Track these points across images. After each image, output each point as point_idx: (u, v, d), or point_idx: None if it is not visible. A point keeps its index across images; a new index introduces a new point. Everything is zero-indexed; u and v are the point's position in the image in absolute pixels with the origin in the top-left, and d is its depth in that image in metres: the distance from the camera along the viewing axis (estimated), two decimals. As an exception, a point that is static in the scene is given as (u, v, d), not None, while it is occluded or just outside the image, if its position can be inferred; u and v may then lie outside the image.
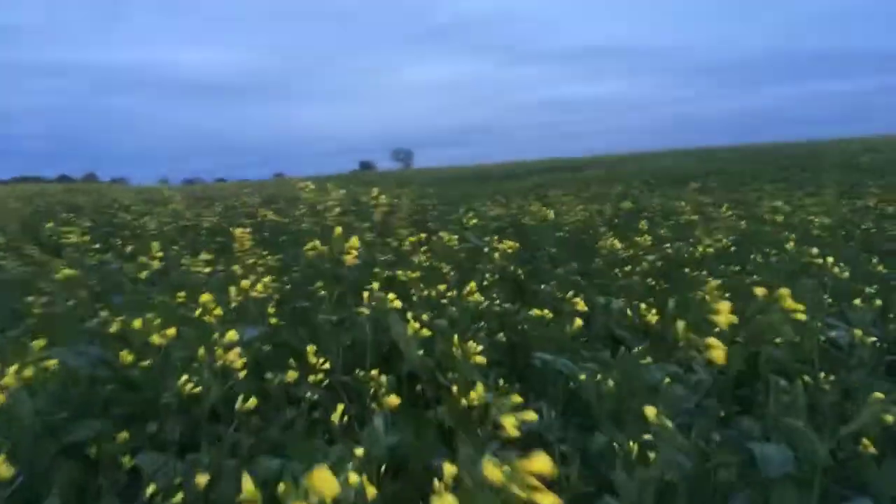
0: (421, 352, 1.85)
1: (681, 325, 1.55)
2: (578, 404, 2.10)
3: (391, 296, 1.79)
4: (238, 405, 1.45)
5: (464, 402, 1.40)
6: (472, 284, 2.11)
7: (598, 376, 1.92)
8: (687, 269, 3.26)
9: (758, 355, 2.42)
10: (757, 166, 16.45)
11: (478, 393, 1.36)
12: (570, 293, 3.28)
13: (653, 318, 2.81)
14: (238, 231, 3.09)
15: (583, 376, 1.88)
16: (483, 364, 1.56)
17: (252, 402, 1.45)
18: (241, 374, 1.45)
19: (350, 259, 2.07)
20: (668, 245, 3.77)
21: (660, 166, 19.58)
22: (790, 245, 3.46)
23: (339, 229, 2.05)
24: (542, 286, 3.81)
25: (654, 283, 3.33)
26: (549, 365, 2.32)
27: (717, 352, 1.50)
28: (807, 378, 2.09)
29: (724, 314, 1.59)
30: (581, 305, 2.86)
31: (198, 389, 1.36)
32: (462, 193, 13.43)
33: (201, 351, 1.38)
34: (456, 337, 1.56)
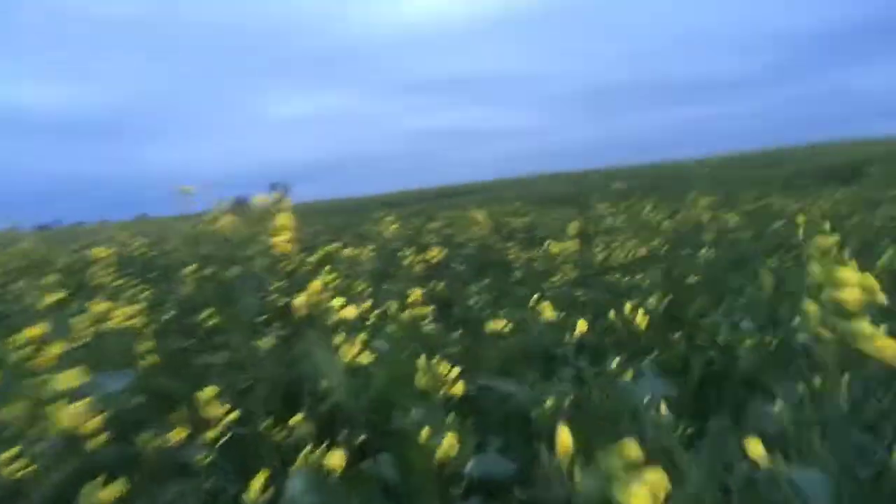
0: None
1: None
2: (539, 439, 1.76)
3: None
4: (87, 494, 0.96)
5: (426, 452, 1.00)
6: (417, 293, 1.70)
7: (568, 399, 1.57)
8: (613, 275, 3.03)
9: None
10: (630, 184, 17.12)
11: (449, 442, 0.97)
12: (489, 311, 2.95)
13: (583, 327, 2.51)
14: (96, 252, 2.52)
15: (550, 402, 1.53)
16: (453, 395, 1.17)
17: (111, 490, 0.96)
18: (98, 441, 0.97)
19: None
20: (599, 249, 3.54)
21: (537, 190, 19.97)
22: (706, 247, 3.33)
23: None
24: (464, 303, 3.47)
25: (578, 292, 3.07)
26: (498, 393, 1.96)
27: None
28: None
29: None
30: (501, 325, 2.54)
31: (22, 473, 0.87)
32: (346, 223, 12.94)
33: (20, 407, 0.88)
34: (423, 359, 1.16)
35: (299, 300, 1.38)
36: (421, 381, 1.08)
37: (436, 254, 3.22)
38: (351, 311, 1.44)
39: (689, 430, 1.87)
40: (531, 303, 2.34)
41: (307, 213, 20.07)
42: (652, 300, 2.41)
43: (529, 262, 3.53)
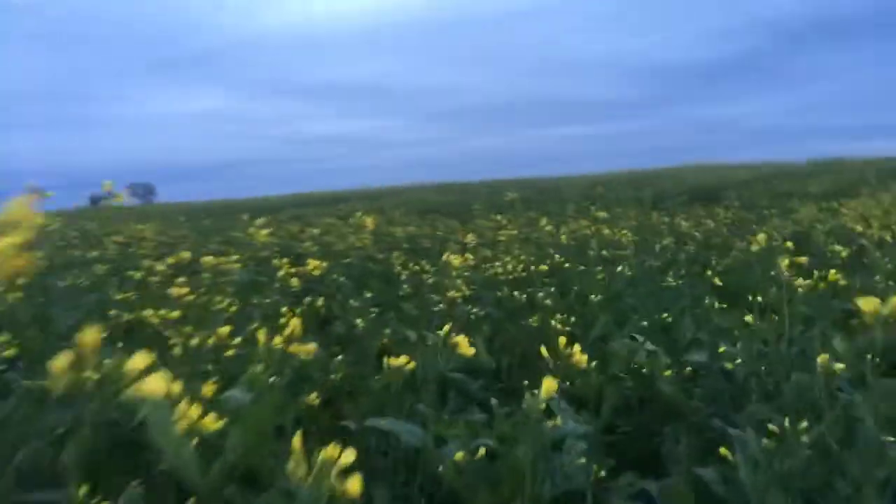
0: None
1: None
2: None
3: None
4: None
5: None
6: (294, 324, 1.34)
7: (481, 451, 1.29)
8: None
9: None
10: (503, 197, 17.29)
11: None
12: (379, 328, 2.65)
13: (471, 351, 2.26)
14: None
15: (460, 455, 1.25)
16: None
17: None
18: None
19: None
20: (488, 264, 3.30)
21: (421, 199, 19.80)
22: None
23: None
24: (346, 319, 3.14)
25: (473, 309, 2.82)
26: (388, 435, 1.65)
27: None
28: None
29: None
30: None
31: None
32: (216, 228, 12.14)
33: None
34: (297, 440, 0.80)
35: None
36: (296, 472, 0.75)
37: (316, 266, 2.87)
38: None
39: (603, 473, 1.64)
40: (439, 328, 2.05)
41: (173, 215, 18.81)
42: (555, 322, 2.19)
43: (416, 276, 3.25)
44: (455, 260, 2.84)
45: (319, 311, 3.03)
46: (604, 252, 3.73)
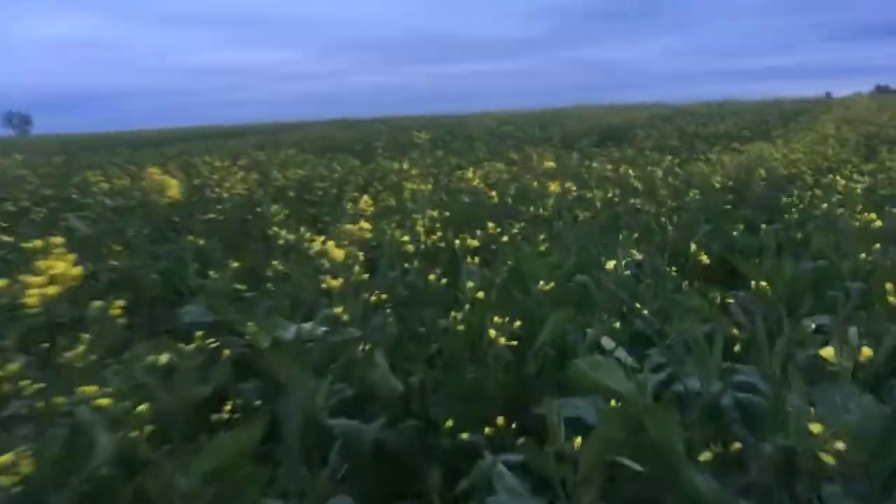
0: None
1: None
2: None
3: None
4: None
5: None
6: None
7: None
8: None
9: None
10: (407, 136, 16.44)
11: None
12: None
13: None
14: None
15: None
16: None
17: None
18: None
19: None
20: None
21: (322, 136, 18.57)
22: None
23: None
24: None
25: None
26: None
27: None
28: None
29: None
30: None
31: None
32: (88, 163, 10.71)
33: None
34: None
35: None
36: None
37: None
38: None
39: None
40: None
41: (52, 149, 16.91)
42: (492, 333, 1.45)
43: (299, 244, 2.41)
44: (350, 227, 2.00)
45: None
46: (540, 209, 3.00)
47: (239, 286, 2.42)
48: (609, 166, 5.90)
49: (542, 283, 1.77)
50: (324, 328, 2.27)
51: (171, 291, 3.23)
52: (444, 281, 1.96)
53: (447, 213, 2.80)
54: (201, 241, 2.89)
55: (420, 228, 2.37)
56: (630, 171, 5.15)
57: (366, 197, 1.75)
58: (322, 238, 2.28)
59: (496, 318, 1.50)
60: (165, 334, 2.64)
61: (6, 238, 4.02)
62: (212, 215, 3.48)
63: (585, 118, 21.94)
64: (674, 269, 2.51)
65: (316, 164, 7.76)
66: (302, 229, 2.49)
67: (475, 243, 2.01)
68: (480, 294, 1.64)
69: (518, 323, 1.55)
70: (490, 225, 2.45)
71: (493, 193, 3.26)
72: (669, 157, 7.81)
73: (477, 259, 2.09)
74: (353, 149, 13.05)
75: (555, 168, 5.53)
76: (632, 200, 3.78)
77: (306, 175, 5.51)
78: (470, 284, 1.71)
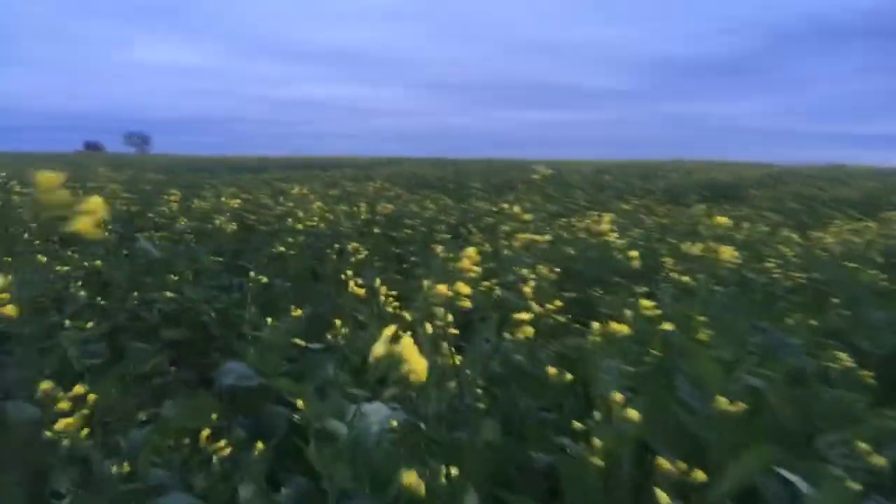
0: None
1: None
2: None
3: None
4: None
5: None
6: None
7: None
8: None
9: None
10: (503, 178, 16.03)
11: None
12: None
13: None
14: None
15: None
16: None
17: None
18: None
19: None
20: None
21: (413, 172, 18.43)
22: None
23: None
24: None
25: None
26: None
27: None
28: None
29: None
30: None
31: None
32: (192, 182, 10.83)
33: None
34: None
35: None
36: None
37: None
38: None
39: None
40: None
41: (165, 168, 17.56)
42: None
43: (375, 297, 1.91)
44: (442, 289, 1.42)
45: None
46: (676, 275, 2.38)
47: (298, 341, 1.94)
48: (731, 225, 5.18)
49: (716, 395, 1.17)
50: (393, 407, 1.73)
51: (234, 333, 2.81)
52: (568, 375, 1.39)
53: (562, 270, 2.23)
54: (264, 280, 2.44)
55: (528, 290, 1.82)
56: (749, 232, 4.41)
57: (471, 251, 1.26)
58: (398, 300, 1.79)
59: (660, 461, 0.93)
60: (207, 388, 2.20)
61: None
62: (282, 248, 3.07)
63: (688, 172, 20.86)
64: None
65: (407, 200, 7.39)
66: (379, 283, 1.99)
67: (622, 328, 1.43)
68: (619, 398, 1.07)
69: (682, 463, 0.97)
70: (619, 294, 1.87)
71: (632, 253, 2.64)
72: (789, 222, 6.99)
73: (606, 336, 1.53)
74: (446, 188, 12.69)
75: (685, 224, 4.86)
76: (767, 266, 3.09)
77: (396, 209, 5.08)
78: (615, 394, 1.12)
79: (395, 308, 1.96)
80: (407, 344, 0.87)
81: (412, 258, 3.97)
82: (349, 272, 2.19)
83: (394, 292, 1.95)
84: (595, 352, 1.42)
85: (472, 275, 1.31)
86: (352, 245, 3.03)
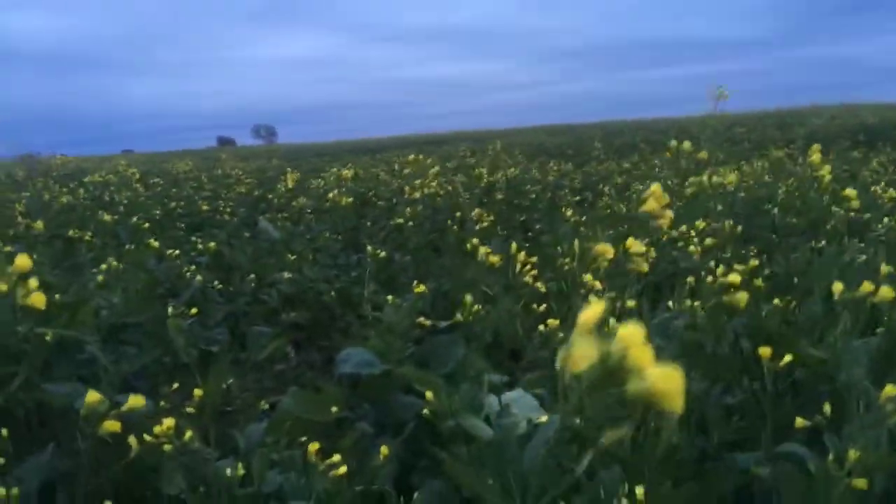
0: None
1: None
2: None
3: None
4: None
5: None
6: None
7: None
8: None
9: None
10: (625, 139, 15.29)
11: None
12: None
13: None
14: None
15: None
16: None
17: None
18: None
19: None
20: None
21: (530, 142, 17.97)
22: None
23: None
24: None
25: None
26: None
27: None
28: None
29: None
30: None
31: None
32: (315, 167, 11.13)
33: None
34: None
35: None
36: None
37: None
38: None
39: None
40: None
41: (292, 156, 18.29)
42: None
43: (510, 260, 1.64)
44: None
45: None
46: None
47: (423, 320, 1.71)
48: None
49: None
50: (537, 395, 1.48)
51: (354, 313, 2.65)
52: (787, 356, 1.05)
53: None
54: (382, 254, 2.23)
55: (700, 248, 1.46)
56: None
57: (655, 186, 0.95)
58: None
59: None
60: (332, 373, 2.03)
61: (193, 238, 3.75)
62: (399, 220, 2.85)
63: (830, 118, 18.99)
64: None
65: (527, 168, 7.08)
66: (515, 249, 1.71)
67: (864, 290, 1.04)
68: (891, 392, 0.74)
69: None
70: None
71: (848, 192, 2.19)
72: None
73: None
74: (565, 153, 12.22)
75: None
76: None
77: (517, 175, 4.79)
78: (884, 389, 0.77)
79: (532, 278, 1.69)
80: (633, 337, 0.54)
81: (537, 225, 3.70)
82: (475, 241, 1.94)
83: (532, 259, 1.68)
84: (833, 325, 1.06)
85: (663, 222, 1.00)
86: (476, 211, 2.78)
